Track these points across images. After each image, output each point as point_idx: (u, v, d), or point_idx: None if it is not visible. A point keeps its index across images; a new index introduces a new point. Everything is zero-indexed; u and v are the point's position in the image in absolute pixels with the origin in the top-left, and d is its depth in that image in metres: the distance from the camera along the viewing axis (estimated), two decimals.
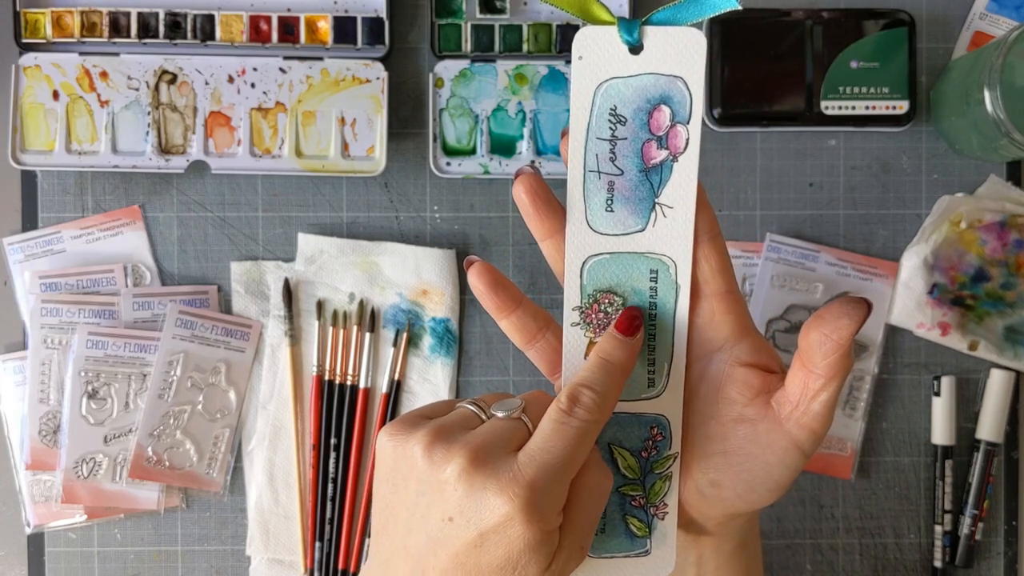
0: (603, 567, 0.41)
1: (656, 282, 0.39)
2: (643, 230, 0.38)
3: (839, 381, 0.37)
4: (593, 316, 0.39)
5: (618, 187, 0.37)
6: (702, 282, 0.38)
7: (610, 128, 0.37)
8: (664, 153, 0.37)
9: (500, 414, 0.37)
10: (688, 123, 0.37)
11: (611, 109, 0.37)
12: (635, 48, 0.36)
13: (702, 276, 0.38)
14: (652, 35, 0.36)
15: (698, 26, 0.36)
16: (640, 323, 0.39)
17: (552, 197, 0.38)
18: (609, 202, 0.38)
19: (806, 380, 0.37)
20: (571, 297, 0.39)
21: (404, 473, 0.37)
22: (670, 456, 0.40)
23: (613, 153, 0.37)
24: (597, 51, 0.36)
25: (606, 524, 0.41)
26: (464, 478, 0.35)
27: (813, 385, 0.37)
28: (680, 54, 0.36)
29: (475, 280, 0.39)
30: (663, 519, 0.41)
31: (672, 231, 0.38)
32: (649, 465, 0.41)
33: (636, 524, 0.41)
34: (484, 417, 0.38)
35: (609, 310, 0.39)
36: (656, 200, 0.38)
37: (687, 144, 0.37)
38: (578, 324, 0.39)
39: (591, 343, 0.39)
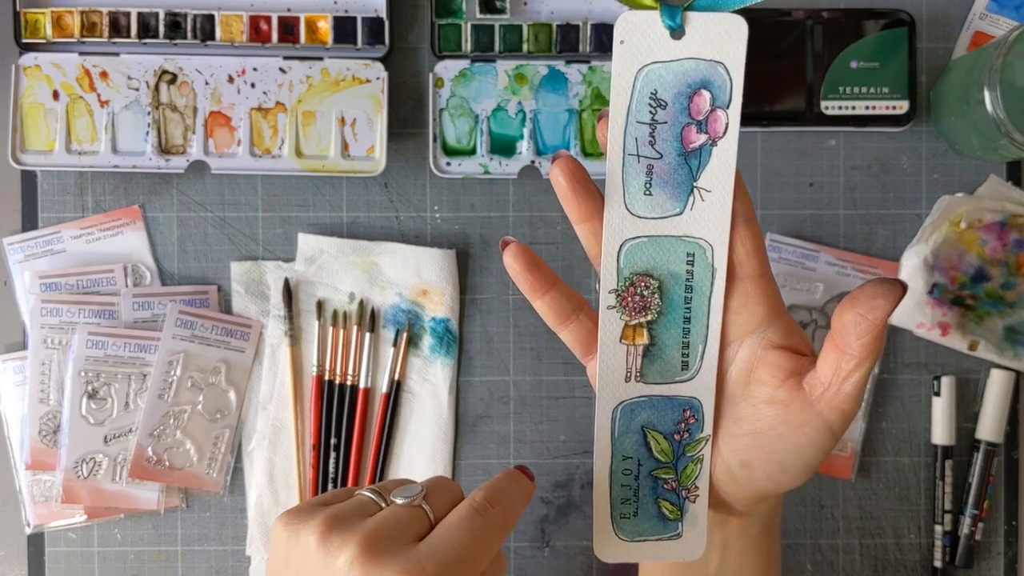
0: (636, 550, 0.41)
1: (692, 265, 0.39)
2: (681, 214, 0.38)
3: (871, 362, 0.37)
4: (629, 299, 0.39)
5: (657, 171, 0.38)
6: (737, 265, 0.39)
7: (650, 112, 0.37)
8: (703, 137, 0.37)
9: (400, 501, 0.37)
10: (728, 108, 0.37)
11: (652, 93, 0.37)
12: (676, 33, 0.36)
13: (737, 259, 0.39)
14: (694, 20, 0.36)
15: (740, 12, 0.36)
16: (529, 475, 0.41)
17: (589, 180, 0.38)
18: (648, 185, 0.38)
19: (839, 361, 0.37)
20: (608, 280, 0.39)
21: (297, 563, 0.36)
22: (702, 439, 0.41)
23: (652, 137, 0.37)
24: (639, 36, 0.36)
25: (639, 507, 0.41)
26: (357, 567, 0.34)
27: (846, 366, 0.37)
28: (721, 40, 0.36)
29: (511, 260, 0.39)
30: (694, 502, 0.41)
31: (709, 215, 0.38)
32: (682, 448, 0.41)
33: (668, 507, 0.41)
34: (383, 504, 0.37)
35: (645, 293, 0.39)
36: (694, 184, 0.38)
37: (727, 128, 0.37)
38: (614, 307, 0.39)
39: (627, 326, 0.39)
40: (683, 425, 0.41)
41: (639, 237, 0.38)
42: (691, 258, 0.39)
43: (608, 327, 0.39)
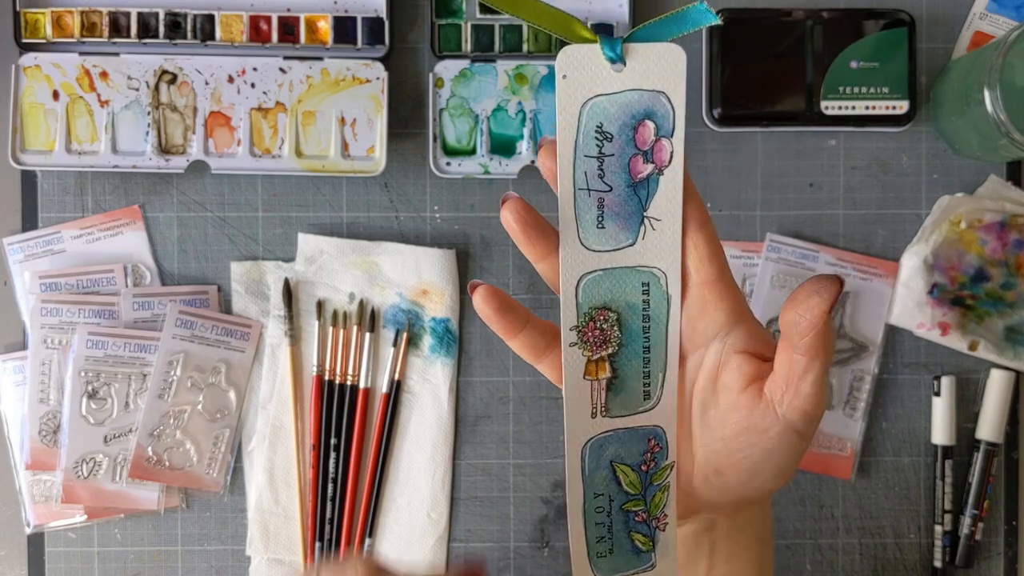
0: None
1: (648, 294, 0.39)
2: (633, 244, 0.38)
3: (822, 360, 0.36)
4: (589, 334, 0.39)
5: (608, 203, 0.38)
6: (692, 271, 0.38)
7: (597, 145, 0.37)
8: (650, 167, 0.37)
9: None
10: (672, 136, 0.37)
11: (597, 126, 0.37)
12: (617, 65, 0.36)
13: (691, 265, 0.38)
14: (634, 52, 0.36)
15: (678, 42, 0.36)
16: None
17: (540, 219, 0.38)
18: (600, 219, 0.38)
19: (790, 362, 0.37)
20: (568, 317, 0.39)
21: None
22: (667, 466, 0.41)
23: (601, 170, 0.37)
24: (581, 69, 0.36)
25: (614, 544, 0.41)
26: None
27: (797, 367, 0.37)
28: (661, 69, 0.36)
29: (481, 305, 0.39)
30: (664, 530, 0.41)
31: (661, 243, 0.38)
32: (649, 478, 0.41)
33: (641, 539, 0.41)
34: None
35: (604, 326, 0.39)
36: (644, 213, 0.38)
37: (672, 157, 0.37)
38: (575, 344, 0.39)
39: (589, 362, 0.39)
40: (649, 455, 0.40)
41: (595, 271, 0.38)
42: (646, 287, 0.39)
43: (571, 365, 0.39)
